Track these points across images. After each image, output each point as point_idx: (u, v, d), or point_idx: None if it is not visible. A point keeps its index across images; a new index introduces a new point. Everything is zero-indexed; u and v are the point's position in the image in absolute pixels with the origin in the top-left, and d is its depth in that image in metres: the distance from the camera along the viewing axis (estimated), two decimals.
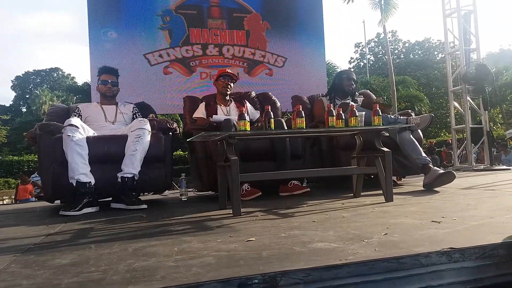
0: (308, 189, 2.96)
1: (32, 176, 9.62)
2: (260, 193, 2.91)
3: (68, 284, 0.95)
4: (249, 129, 2.27)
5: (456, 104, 6.29)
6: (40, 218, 2.60)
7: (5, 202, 12.21)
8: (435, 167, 2.93)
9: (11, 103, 43.81)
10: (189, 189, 3.41)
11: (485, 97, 5.65)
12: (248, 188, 2.92)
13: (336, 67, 16.31)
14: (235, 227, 1.69)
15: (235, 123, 2.75)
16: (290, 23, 5.54)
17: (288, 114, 5.02)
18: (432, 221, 1.53)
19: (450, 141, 8.98)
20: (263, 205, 2.40)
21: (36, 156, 4.45)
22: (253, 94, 3.92)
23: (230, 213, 2.09)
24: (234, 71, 3.90)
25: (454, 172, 2.84)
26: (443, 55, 24.90)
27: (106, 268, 1.08)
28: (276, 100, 3.85)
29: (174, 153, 3.51)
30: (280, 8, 5.52)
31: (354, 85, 3.60)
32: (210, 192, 3.41)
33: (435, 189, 2.81)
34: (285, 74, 5.45)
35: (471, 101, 6.01)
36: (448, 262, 1.04)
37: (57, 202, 3.13)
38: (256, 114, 3.48)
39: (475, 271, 1.06)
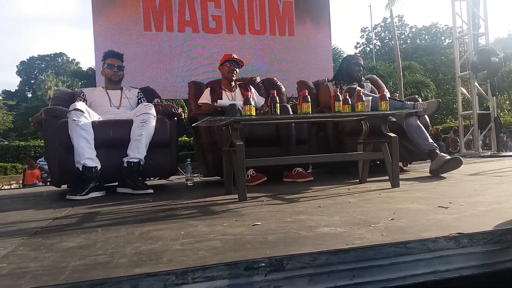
0: (312, 178, 2.95)
1: (39, 160, 9.69)
2: (266, 178, 2.91)
3: (76, 267, 0.96)
4: (254, 114, 2.25)
5: (463, 89, 6.21)
6: (47, 202, 2.63)
7: (12, 187, 12.35)
8: (441, 153, 2.91)
9: (17, 88, 44.08)
10: (194, 174, 3.41)
11: (493, 83, 5.57)
12: (253, 173, 2.92)
13: (342, 52, 16.11)
14: (241, 212, 1.69)
15: (240, 108, 2.74)
16: (296, 6, 5.44)
17: (294, 100, 4.98)
18: (439, 206, 1.53)
19: (457, 127, 8.90)
20: (268, 190, 2.40)
21: (42, 141, 4.47)
22: (258, 79, 3.89)
23: (236, 198, 2.10)
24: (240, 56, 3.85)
25: (461, 158, 2.82)
26: (450, 40, 24.55)
27: (113, 251, 1.09)
28: (282, 85, 3.81)
29: (179, 139, 3.51)
30: None
31: (363, 71, 3.56)
32: (215, 177, 3.41)
33: (441, 175, 2.79)
34: (291, 59, 5.38)
35: (479, 87, 5.93)
36: (456, 247, 1.03)
37: (64, 186, 3.16)
38: (261, 101, 3.45)
39: (483, 256, 1.05)
